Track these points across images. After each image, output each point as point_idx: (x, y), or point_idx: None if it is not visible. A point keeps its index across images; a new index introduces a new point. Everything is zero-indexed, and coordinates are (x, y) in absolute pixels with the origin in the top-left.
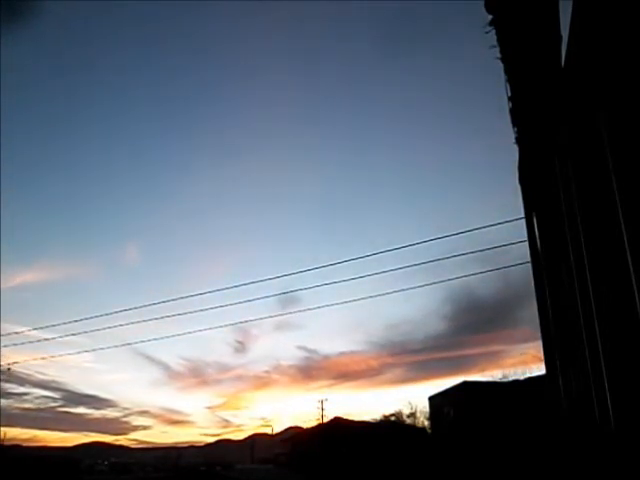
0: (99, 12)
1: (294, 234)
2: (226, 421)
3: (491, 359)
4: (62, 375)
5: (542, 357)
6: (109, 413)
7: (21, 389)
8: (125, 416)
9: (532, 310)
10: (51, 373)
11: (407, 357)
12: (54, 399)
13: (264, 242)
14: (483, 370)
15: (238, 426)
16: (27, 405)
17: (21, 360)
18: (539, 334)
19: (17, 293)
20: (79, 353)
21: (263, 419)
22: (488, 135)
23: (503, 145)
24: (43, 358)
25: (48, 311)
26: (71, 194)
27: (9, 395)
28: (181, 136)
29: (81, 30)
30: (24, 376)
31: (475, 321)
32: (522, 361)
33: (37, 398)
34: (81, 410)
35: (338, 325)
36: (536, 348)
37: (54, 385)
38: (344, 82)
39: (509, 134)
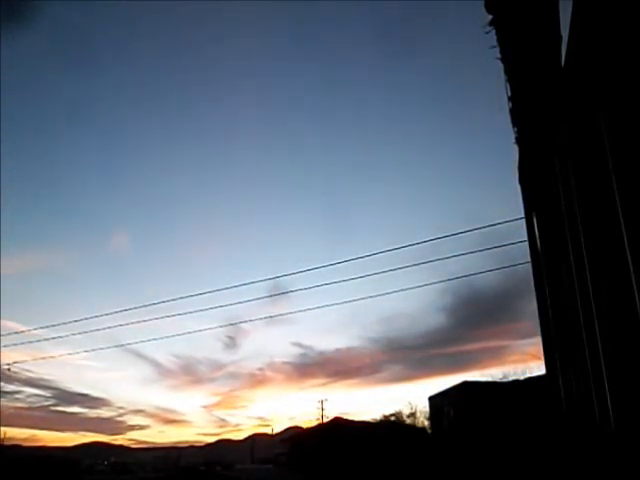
0: (99, 12)
1: (289, 232)
2: (223, 420)
3: (493, 355)
4: (50, 373)
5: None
6: (103, 412)
7: (10, 387)
8: (120, 415)
9: (535, 303)
10: (39, 371)
11: (406, 353)
12: (46, 398)
13: (259, 240)
14: (485, 367)
15: (236, 425)
16: (20, 404)
17: (19, 360)
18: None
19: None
20: (78, 353)
21: (260, 418)
22: (488, 135)
23: (503, 145)
24: (43, 358)
25: (31, 304)
26: (59, 186)
27: (2, 394)
28: (179, 135)
29: (81, 30)
30: (11, 374)
31: (476, 315)
32: (524, 358)
33: (29, 397)
34: (75, 409)
35: (333, 320)
36: (538, 344)
37: (43, 383)
38: (344, 82)
39: (509, 134)
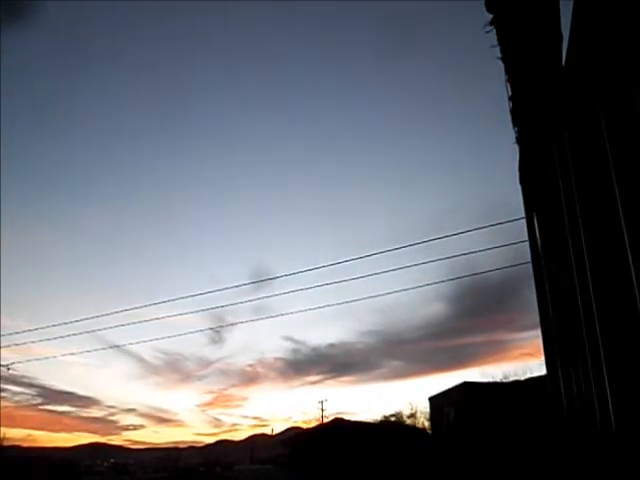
0: (98, 12)
1: (286, 229)
2: (217, 420)
3: (496, 348)
4: (30, 369)
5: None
6: (94, 412)
7: None
8: (111, 415)
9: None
10: (20, 368)
11: (405, 348)
12: (32, 396)
13: (252, 239)
14: (488, 362)
15: (232, 425)
16: (6, 403)
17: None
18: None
19: None
20: (71, 355)
21: (257, 418)
22: (488, 135)
23: (503, 145)
24: (47, 358)
25: (15, 299)
26: (54, 185)
27: None
28: (178, 130)
29: (81, 29)
30: (8, 374)
31: (479, 305)
32: (528, 353)
33: (14, 395)
34: (64, 408)
35: (325, 313)
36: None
37: (26, 381)
38: (344, 82)
39: (510, 134)
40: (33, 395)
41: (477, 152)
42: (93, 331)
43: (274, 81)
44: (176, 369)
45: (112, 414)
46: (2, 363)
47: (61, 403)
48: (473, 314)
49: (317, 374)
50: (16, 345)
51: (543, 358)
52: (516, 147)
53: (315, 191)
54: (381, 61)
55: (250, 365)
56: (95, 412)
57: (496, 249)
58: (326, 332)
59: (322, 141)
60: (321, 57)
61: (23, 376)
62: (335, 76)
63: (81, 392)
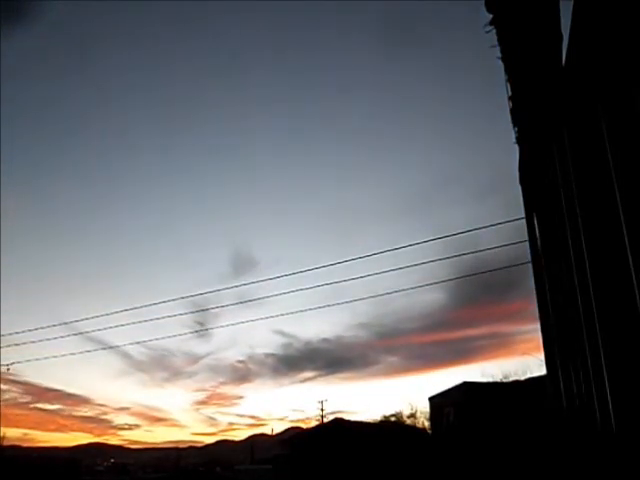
0: (99, 13)
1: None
2: (212, 419)
3: (499, 342)
4: (17, 367)
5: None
6: (87, 411)
7: None
8: (103, 414)
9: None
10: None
11: (403, 341)
12: (20, 394)
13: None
14: (492, 357)
15: (230, 424)
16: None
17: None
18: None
19: None
20: (66, 355)
21: (253, 417)
22: (488, 134)
23: (503, 145)
24: (47, 358)
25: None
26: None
27: None
28: (176, 128)
29: (81, 30)
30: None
31: (481, 294)
32: (532, 347)
33: (5, 393)
34: (56, 407)
35: (316, 304)
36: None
37: (11, 377)
38: (341, 81)
39: (510, 134)
40: (21, 393)
41: (477, 153)
42: (87, 332)
43: (269, 75)
44: (165, 366)
45: (105, 412)
46: (2, 363)
47: (51, 401)
48: (473, 303)
49: (311, 370)
50: (16, 345)
51: (543, 357)
52: (516, 147)
53: (309, 187)
54: (379, 60)
55: (241, 361)
56: (88, 411)
57: (498, 238)
58: (319, 326)
59: (312, 133)
60: (319, 53)
61: (10, 374)
62: (333, 70)
63: (69, 390)
